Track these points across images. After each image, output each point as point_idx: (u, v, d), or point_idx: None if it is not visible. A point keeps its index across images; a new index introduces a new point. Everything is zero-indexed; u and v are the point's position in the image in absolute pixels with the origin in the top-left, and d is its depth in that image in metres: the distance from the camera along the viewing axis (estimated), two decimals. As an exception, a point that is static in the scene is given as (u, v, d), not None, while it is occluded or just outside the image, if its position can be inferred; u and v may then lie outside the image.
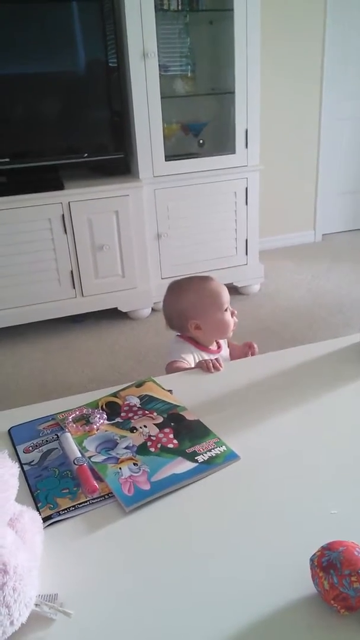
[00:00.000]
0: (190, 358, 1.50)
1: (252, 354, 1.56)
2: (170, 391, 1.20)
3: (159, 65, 2.57)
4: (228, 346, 1.64)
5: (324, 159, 3.77)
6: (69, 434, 1.05)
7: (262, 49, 2.72)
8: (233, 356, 1.63)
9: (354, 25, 3.52)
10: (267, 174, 3.06)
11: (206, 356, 1.52)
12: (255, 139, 2.84)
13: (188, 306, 1.50)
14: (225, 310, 1.51)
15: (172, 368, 1.46)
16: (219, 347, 1.58)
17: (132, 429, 1.07)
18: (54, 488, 0.92)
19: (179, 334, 1.57)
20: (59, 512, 0.87)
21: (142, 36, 2.47)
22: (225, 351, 1.60)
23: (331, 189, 3.91)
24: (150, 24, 2.46)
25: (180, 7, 2.68)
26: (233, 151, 2.83)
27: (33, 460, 1.00)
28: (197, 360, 1.50)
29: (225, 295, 1.51)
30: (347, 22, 3.48)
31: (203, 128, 2.95)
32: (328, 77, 3.55)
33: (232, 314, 1.53)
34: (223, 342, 1.62)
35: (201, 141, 2.93)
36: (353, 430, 1.05)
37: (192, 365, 1.48)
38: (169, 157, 2.74)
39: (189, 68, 2.94)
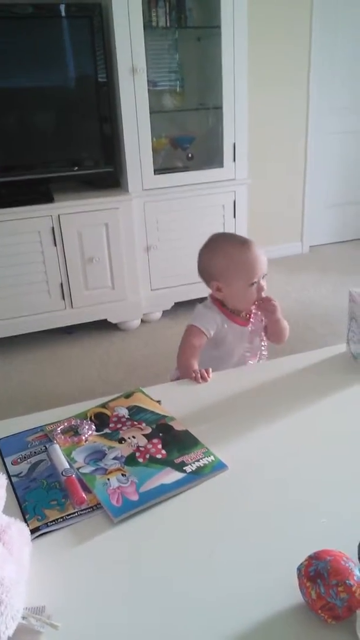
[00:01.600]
0: (214, 327, 1.45)
1: (270, 307, 1.46)
2: (158, 402, 1.20)
3: (148, 80, 2.59)
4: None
5: (311, 172, 3.81)
6: (57, 446, 1.05)
7: (250, 65, 2.75)
8: (269, 330, 1.55)
9: (339, 43, 3.57)
10: (255, 186, 3.08)
11: (227, 326, 1.47)
12: (243, 153, 2.86)
13: (215, 267, 1.45)
14: (252, 284, 1.42)
15: (188, 343, 1.42)
16: (248, 318, 1.51)
17: (121, 440, 1.06)
18: (42, 499, 0.91)
19: (211, 294, 1.51)
20: (47, 523, 0.86)
21: (131, 52, 2.49)
22: (255, 325, 1.52)
23: (318, 201, 3.94)
24: (139, 40, 2.49)
25: (168, 24, 2.71)
26: (221, 165, 2.85)
27: (21, 472, 0.99)
28: (221, 329, 1.46)
29: (258, 269, 1.42)
30: (333, 40, 3.54)
31: (191, 142, 2.97)
32: (315, 92, 3.60)
33: (260, 289, 1.43)
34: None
35: (190, 155, 2.95)
36: (341, 440, 1.05)
37: (211, 336, 1.45)
38: (158, 171, 2.75)
39: (177, 83, 2.96)
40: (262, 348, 1.55)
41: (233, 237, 1.53)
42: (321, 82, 3.60)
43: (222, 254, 1.45)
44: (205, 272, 1.49)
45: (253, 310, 1.50)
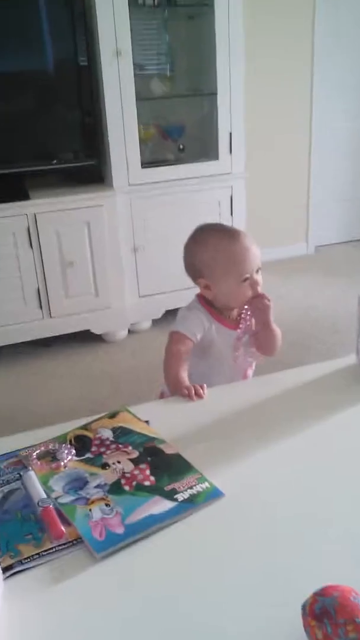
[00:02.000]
0: (200, 330, 1.43)
1: (261, 305, 1.44)
2: (147, 422, 1.20)
3: (134, 64, 2.62)
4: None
5: (316, 164, 3.84)
6: (32, 473, 1.04)
7: (247, 47, 2.79)
8: (258, 337, 1.52)
9: (343, 22, 3.62)
10: (255, 181, 3.11)
11: (215, 328, 1.46)
12: (240, 144, 2.89)
13: (201, 263, 1.43)
14: (244, 280, 1.39)
15: (173, 353, 1.41)
16: (239, 321, 1.49)
17: (104, 466, 1.06)
18: (15, 533, 0.91)
19: (199, 293, 1.49)
20: (21, 560, 0.86)
21: (115, 33, 2.52)
22: (245, 329, 1.50)
23: (325, 197, 3.97)
24: (123, 19, 2.51)
25: (156, 2, 2.74)
26: (216, 157, 2.88)
27: (-8, 503, 0.99)
28: (208, 330, 1.44)
29: (249, 263, 1.39)
30: (338, 17, 3.59)
31: (183, 132, 2.99)
32: (318, 76, 3.64)
33: (254, 284, 1.41)
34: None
35: (181, 146, 2.97)
36: (349, 463, 1.05)
37: (197, 340, 1.43)
38: (145, 164, 2.77)
39: (167, 67, 2.99)
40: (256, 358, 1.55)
41: (220, 227, 1.52)
42: (326, 65, 3.64)
43: (207, 247, 1.42)
44: (191, 268, 1.48)
45: (243, 312, 1.49)
